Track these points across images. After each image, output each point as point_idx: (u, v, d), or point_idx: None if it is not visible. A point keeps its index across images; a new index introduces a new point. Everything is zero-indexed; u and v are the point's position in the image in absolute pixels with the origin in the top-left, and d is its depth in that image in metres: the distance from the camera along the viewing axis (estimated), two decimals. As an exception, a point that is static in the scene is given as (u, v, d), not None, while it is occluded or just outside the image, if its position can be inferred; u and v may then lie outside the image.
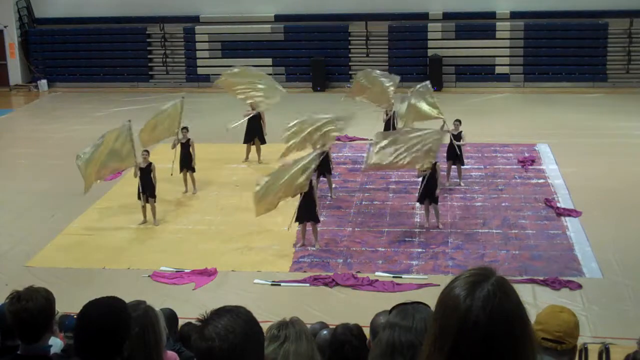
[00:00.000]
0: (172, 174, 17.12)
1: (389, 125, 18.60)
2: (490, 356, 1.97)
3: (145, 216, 15.54)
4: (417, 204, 15.79)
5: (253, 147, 19.19)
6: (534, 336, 2.06)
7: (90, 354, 3.30)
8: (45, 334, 4.16)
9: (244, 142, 19.08)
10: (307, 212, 14.28)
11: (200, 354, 2.61)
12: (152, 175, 15.40)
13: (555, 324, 3.82)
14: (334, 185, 17.09)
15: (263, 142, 19.05)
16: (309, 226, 14.48)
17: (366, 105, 23.44)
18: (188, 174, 17.13)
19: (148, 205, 15.45)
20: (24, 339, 4.12)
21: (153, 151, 19.05)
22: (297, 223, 14.46)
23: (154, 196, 15.45)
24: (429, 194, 14.82)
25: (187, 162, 17.06)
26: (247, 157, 19.17)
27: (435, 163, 14.91)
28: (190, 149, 17.05)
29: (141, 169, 15.34)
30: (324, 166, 16.52)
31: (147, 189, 15.32)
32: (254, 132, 18.96)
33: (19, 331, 4.13)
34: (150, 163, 15.44)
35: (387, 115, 18.81)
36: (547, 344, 3.78)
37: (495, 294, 2.00)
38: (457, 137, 17.07)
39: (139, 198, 15.39)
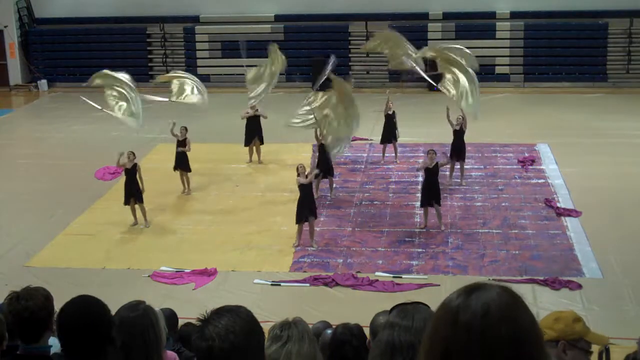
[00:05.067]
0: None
1: (390, 120, 18.51)
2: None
3: (135, 217, 15.48)
4: (417, 204, 15.80)
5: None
6: (543, 341, 1.80)
7: (73, 352, 3.34)
8: (45, 333, 4.16)
9: (245, 145, 18.99)
10: (307, 210, 14.28)
11: (200, 353, 2.61)
12: (137, 177, 15.29)
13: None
14: (334, 185, 17.09)
15: (262, 142, 19.00)
16: (305, 226, 14.47)
17: (366, 106, 23.45)
18: (184, 174, 17.06)
19: (137, 207, 15.41)
20: (24, 338, 4.12)
21: (154, 150, 19.08)
22: (297, 223, 14.46)
23: (141, 199, 15.34)
24: (432, 196, 14.82)
25: (183, 162, 16.98)
26: (250, 159, 19.12)
27: (437, 162, 14.93)
28: (187, 148, 16.99)
29: (127, 170, 15.28)
30: (325, 167, 16.46)
31: (133, 191, 15.23)
32: (254, 133, 18.93)
33: (19, 331, 4.13)
34: (136, 164, 15.33)
35: (389, 108, 18.63)
36: None
37: (495, 295, 1.78)
38: (460, 132, 17.06)
39: (126, 203, 15.30)
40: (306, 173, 14.53)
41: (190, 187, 17.18)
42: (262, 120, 18.88)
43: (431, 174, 14.87)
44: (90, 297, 3.54)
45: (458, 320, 1.76)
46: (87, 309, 3.42)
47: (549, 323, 3.95)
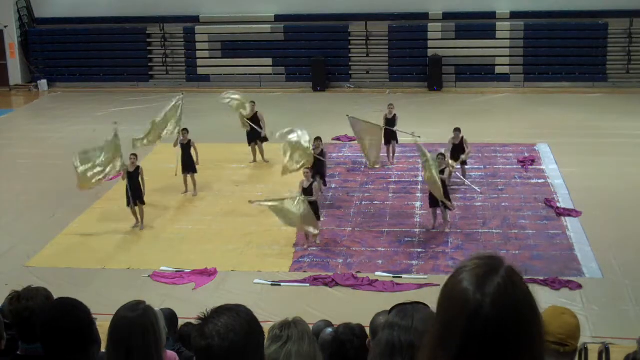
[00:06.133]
0: (175, 174, 17.10)
1: (393, 123, 18.37)
2: (499, 351, 1.87)
3: (137, 218, 15.47)
4: (417, 204, 15.75)
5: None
6: (543, 327, 1.95)
7: (56, 354, 3.38)
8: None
9: (248, 143, 18.96)
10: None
11: (199, 352, 2.61)
12: (140, 179, 15.26)
13: (558, 326, 3.82)
14: (333, 185, 17.07)
15: (265, 140, 18.87)
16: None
17: (366, 105, 23.47)
18: (189, 175, 17.06)
19: (137, 208, 15.34)
20: (24, 338, 4.12)
21: (155, 150, 19.07)
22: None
23: (142, 201, 15.32)
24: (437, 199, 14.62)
25: (188, 165, 16.97)
26: (254, 159, 19.06)
27: (445, 167, 14.80)
28: (192, 150, 17.00)
29: (129, 173, 15.20)
30: (320, 172, 16.31)
31: (136, 193, 15.18)
32: (256, 133, 18.85)
33: (19, 331, 4.14)
34: (138, 167, 15.29)
35: (390, 113, 18.48)
36: (549, 346, 3.78)
37: (505, 288, 1.89)
38: (460, 146, 16.94)
39: (128, 205, 15.27)
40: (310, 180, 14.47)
41: (196, 188, 17.13)
42: (264, 119, 18.81)
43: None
44: (68, 299, 3.58)
45: (477, 314, 1.86)
46: (66, 313, 3.46)
47: (574, 334, 3.90)
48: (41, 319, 3.53)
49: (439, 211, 14.93)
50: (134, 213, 15.42)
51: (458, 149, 16.92)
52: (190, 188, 17.17)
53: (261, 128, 18.67)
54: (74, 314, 3.56)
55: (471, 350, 1.86)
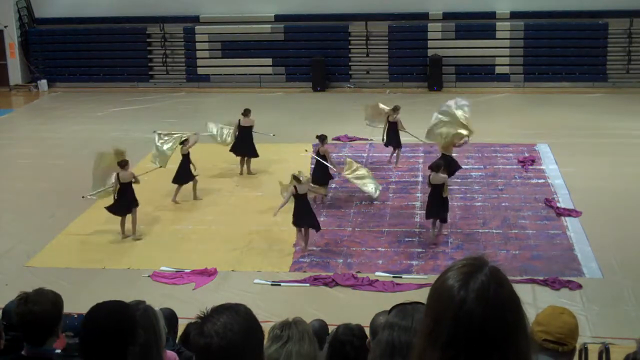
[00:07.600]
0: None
1: (393, 128, 18.25)
2: (484, 346, 1.95)
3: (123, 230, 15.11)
4: (417, 204, 15.71)
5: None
6: (527, 324, 2.05)
7: (95, 356, 3.29)
8: (50, 338, 4.16)
9: (236, 154, 18.34)
10: (303, 218, 14.17)
11: (198, 350, 2.61)
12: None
13: (557, 326, 3.84)
14: (333, 185, 17.04)
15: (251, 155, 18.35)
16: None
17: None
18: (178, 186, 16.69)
19: (128, 217, 14.98)
20: (29, 341, 4.13)
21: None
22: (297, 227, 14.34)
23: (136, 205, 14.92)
24: (438, 210, 14.37)
25: (182, 176, 16.53)
26: (241, 171, 18.58)
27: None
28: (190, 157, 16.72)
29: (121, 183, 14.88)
30: (322, 175, 16.20)
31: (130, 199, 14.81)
32: (245, 146, 18.27)
33: (24, 333, 4.15)
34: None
35: (392, 118, 18.30)
36: (548, 345, 3.80)
37: (489, 285, 1.99)
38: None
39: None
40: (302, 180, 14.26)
41: (177, 195, 16.78)
42: (255, 128, 18.39)
43: (436, 187, 14.51)
44: (119, 302, 3.47)
45: (461, 312, 1.97)
46: (115, 316, 3.33)
47: (573, 333, 3.92)
48: (87, 322, 3.41)
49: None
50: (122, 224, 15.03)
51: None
52: (177, 197, 16.70)
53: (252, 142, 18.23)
54: (123, 319, 3.39)
55: (457, 344, 1.95)
